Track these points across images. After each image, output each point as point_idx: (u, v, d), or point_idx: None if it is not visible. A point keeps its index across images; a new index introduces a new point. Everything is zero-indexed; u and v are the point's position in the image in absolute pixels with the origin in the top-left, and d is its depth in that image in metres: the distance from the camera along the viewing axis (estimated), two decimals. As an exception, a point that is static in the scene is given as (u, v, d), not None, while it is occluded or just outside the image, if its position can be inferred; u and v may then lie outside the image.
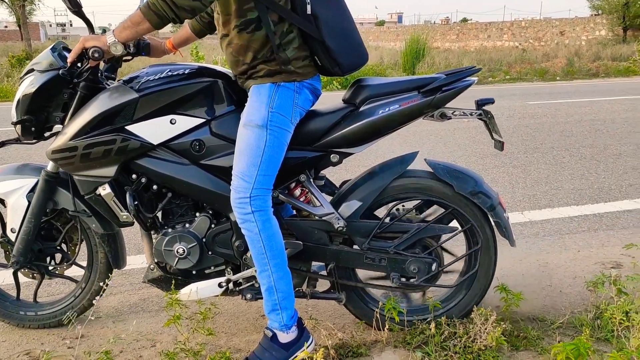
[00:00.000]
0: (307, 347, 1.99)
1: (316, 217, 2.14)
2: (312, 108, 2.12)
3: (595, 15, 28.89)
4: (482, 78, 14.27)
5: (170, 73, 2.06)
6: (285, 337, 2.00)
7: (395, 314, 2.16)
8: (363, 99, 2.09)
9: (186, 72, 2.08)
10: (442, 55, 16.68)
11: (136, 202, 2.11)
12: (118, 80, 2.14)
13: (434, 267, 2.18)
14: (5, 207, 2.25)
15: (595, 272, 2.86)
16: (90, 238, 2.32)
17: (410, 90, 2.09)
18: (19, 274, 2.37)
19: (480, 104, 2.17)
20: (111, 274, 2.31)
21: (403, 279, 2.19)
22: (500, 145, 2.19)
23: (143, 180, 2.13)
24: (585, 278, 2.76)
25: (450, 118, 2.15)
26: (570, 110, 8.03)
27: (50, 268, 2.36)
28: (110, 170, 2.08)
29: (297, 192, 2.19)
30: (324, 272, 2.25)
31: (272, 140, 1.95)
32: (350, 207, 2.15)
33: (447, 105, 2.13)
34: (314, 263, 2.25)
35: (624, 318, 2.14)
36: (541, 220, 3.66)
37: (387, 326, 2.19)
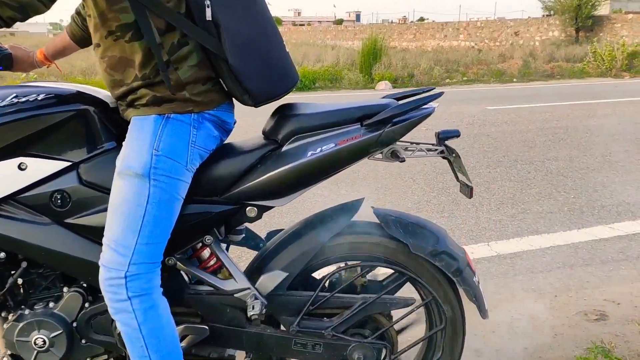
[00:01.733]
0: None
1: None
2: (220, 145, 1.58)
3: (548, 16, 29.16)
4: (439, 80, 13.96)
5: (17, 100, 1.47)
6: None
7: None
8: (287, 135, 1.54)
9: (41, 98, 1.49)
10: (399, 55, 16.26)
11: None
12: None
13: (383, 354, 1.66)
14: None
15: (577, 325, 2.42)
16: None
17: (350, 121, 1.56)
18: None
19: (442, 137, 1.66)
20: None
21: None
22: (468, 191, 1.68)
23: None
24: (567, 336, 2.31)
25: (404, 159, 1.63)
26: (531, 116, 7.69)
27: None
28: None
29: (205, 254, 1.64)
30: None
31: (157, 195, 1.40)
32: (272, 279, 1.61)
33: (399, 141, 1.62)
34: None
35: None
36: (510, 254, 3.19)
37: None
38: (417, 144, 1.65)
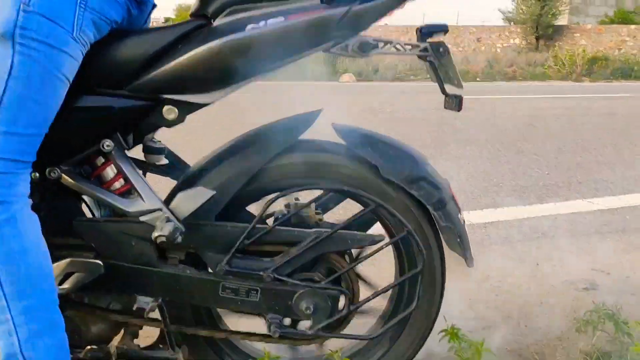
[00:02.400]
0: None
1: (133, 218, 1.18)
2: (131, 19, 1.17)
3: (509, 22, 29.50)
4: (404, 76, 13.75)
5: None
6: None
7: (275, 384, 1.23)
8: (220, 6, 1.14)
9: None
10: (360, 60, 16.01)
11: None
12: None
13: (342, 304, 1.26)
14: None
15: (564, 294, 2.08)
16: None
17: None
18: None
19: (425, 33, 1.27)
20: None
21: (288, 324, 1.27)
22: (456, 102, 1.30)
23: None
24: (553, 304, 1.97)
25: (369, 53, 1.23)
26: (499, 106, 7.48)
27: None
28: None
29: (109, 173, 1.22)
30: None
31: (25, 66, 0.98)
32: (192, 199, 1.19)
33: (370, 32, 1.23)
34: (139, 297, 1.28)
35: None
36: (485, 224, 2.85)
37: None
38: (394, 40, 1.26)
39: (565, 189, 3.56)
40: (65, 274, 1.17)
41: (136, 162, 1.27)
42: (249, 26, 1.10)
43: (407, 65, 15.56)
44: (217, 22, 1.13)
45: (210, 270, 1.24)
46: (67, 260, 1.17)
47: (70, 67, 1.04)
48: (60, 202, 1.19)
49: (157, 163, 1.34)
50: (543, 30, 25.92)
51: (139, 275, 1.21)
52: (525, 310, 1.94)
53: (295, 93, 8.53)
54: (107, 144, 1.15)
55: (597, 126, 6.06)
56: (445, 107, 1.34)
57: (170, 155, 1.39)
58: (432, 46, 1.25)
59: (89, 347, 1.20)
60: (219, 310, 1.35)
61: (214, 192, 1.19)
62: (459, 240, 1.31)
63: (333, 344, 1.39)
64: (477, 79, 14.34)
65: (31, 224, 1.02)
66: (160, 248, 1.21)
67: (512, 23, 29.20)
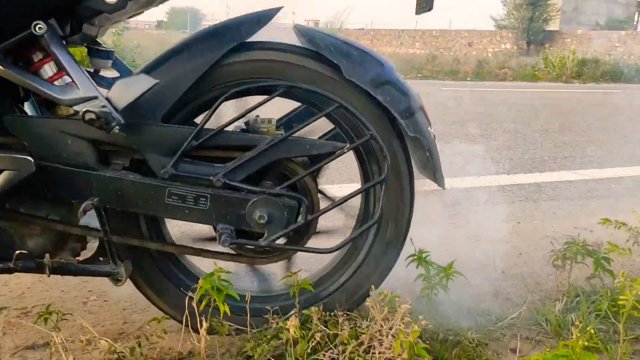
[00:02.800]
0: None
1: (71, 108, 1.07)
2: None
3: (501, 28, 29.63)
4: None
5: None
6: None
7: (221, 301, 1.12)
8: None
9: None
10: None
11: None
12: None
13: (298, 213, 1.16)
14: None
15: (544, 247, 1.99)
16: None
17: None
18: None
19: None
20: None
21: (239, 237, 1.16)
22: (426, 2, 1.22)
23: None
24: (533, 255, 1.88)
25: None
26: (487, 95, 7.41)
27: None
28: None
29: (42, 59, 1.12)
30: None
31: None
32: (134, 88, 1.09)
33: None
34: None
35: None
36: (465, 188, 2.76)
37: (207, 325, 1.14)
38: None
39: (551, 162, 3.48)
40: (-7, 170, 1.07)
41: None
42: None
43: (398, 65, 15.51)
44: None
45: (156, 175, 1.14)
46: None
47: None
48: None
49: (103, 69, 1.24)
50: (534, 35, 26.06)
51: (76, 179, 1.10)
52: (505, 259, 1.85)
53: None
54: (39, 26, 1.04)
55: (586, 112, 6.01)
56: (416, 13, 1.26)
57: (119, 65, 1.30)
58: None
59: (18, 253, 1.09)
60: (166, 220, 1.25)
61: (157, 82, 1.09)
62: (427, 154, 1.22)
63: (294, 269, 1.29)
64: (468, 79, 14.30)
65: None
66: (100, 151, 1.11)
67: (503, 29, 29.37)
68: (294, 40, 1.23)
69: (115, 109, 1.05)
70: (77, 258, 1.17)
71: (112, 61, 1.26)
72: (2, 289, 1.53)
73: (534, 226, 2.25)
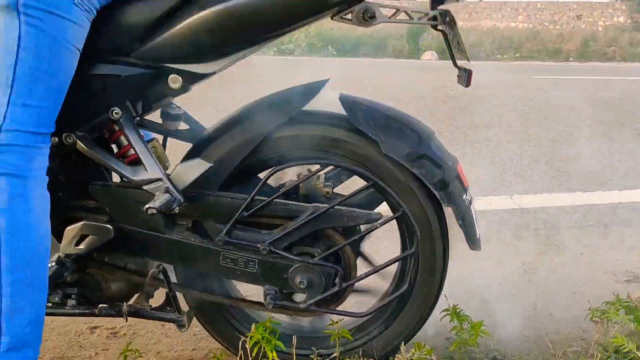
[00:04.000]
0: None
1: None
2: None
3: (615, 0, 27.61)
4: (489, 54, 13.26)
5: None
6: None
7: (270, 349, 1.30)
8: None
9: None
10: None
11: None
12: None
13: (336, 280, 1.30)
14: None
15: (602, 285, 2.00)
16: None
17: None
18: None
19: (435, 1, 1.26)
20: None
21: (283, 297, 1.32)
22: (465, 77, 1.30)
23: None
24: (588, 295, 1.90)
25: (375, 21, 1.23)
26: (582, 86, 7.07)
27: None
28: None
29: (121, 140, 1.33)
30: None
31: (33, 37, 1.06)
32: (190, 170, 1.27)
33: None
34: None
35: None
36: (535, 209, 2.76)
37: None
38: (402, 7, 1.26)
39: (635, 177, 3.36)
40: (80, 235, 1.28)
41: (156, 128, 1.37)
42: None
43: (496, 43, 15.02)
44: None
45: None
46: (81, 223, 1.28)
47: (77, 35, 1.11)
48: (79, 166, 1.29)
49: (176, 129, 1.42)
50: (652, 7, 24.02)
51: (148, 240, 1.30)
52: (556, 298, 1.89)
53: (369, 70, 8.46)
54: (116, 112, 1.22)
55: None
56: (458, 82, 1.33)
57: (189, 120, 1.47)
58: (441, 14, 1.24)
59: (101, 305, 1.31)
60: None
61: (212, 165, 1.26)
62: (461, 221, 1.31)
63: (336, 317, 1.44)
64: (571, 59, 13.58)
65: (42, 203, 1.12)
66: (169, 215, 1.30)
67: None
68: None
69: (176, 188, 1.23)
70: (150, 304, 1.38)
71: (183, 120, 1.43)
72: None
73: (597, 257, 2.25)
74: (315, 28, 11.69)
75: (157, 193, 1.22)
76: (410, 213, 1.28)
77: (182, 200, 1.23)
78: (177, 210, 1.23)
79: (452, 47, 1.27)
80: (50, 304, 1.32)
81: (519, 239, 2.39)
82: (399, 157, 1.27)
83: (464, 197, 1.33)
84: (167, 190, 1.22)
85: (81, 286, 1.34)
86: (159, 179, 1.23)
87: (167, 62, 1.20)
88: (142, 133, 1.28)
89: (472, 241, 1.34)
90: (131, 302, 1.36)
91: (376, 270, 1.31)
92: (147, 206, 1.17)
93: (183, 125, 1.45)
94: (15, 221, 1.07)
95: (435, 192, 1.29)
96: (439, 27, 1.26)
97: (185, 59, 1.19)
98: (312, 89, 1.30)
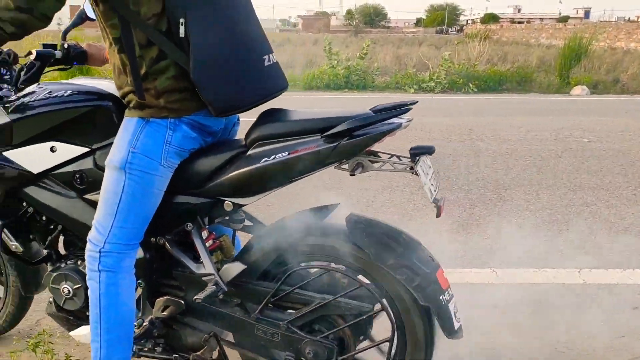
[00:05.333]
0: None
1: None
2: (205, 145, 1.77)
3: None
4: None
5: (49, 95, 1.84)
6: None
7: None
8: (252, 140, 1.69)
9: (67, 94, 1.83)
10: (608, 58, 14.69)
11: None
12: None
13: (333, 354, 1.72)
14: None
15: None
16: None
17: (312, 132, 1.64)
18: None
19: (413, 154, 1.66)
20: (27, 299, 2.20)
21: None
22: (437, 209, 1.67)
23: (30, 210, 1.96)
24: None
25: (367, 171, 1.68)
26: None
27: None
28: None
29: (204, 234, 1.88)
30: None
31: (131, 187, 1.65)
32: (232, 269, 1.78)
33: (372, 151, 1.67)
34: None
35: None
36: (600, 285, 2.88)
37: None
38: (389, 155, 1.68)
39: None
40: (164, 305, 1.85)
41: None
42: (263, 159, 1.64)
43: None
44: (249, 152, 1.68)
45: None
46: (165, 297, 1.84)
47: (161, 183, 1.68)
48: (166, 259, 1.87)
49: (240, 227, 1.94)
50: None
51: (206, 311, 1.83)
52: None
53: (510, 113, 8.40)
54: (189, 226, 1.79)
55: None
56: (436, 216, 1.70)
57: (250, 218, 1.98)
58: (418, 165, 1.63)
59: (179, 354, 1.86)
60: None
61: (245, 266, 1.75)
62: (437, 317, 1.67)
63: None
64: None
65: (128, 289, 1.70)
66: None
67: None
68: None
69: (223, 281, 1.75)
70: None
71: (245, 220, 1.94)
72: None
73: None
74: (459, 66, 11.85)
75: (209, 284, 1.74)
76: (400, 307, 1.68)
77: (225, 290, 1.74)
78: (221, 296, 1.74)
79: (425, 187, 1.65)
80: (146, 349, 1.90)
81: (578, 319, 2.57)
82: (385, 265, 1.67)
83: (440, 297, 1.68)
84: (215, 283, 1.74)
85: (166, 339, 1.90)
86: (212, 274, 1.75)
87: (219, 195, 1.73)
88: (212, 233, 1.84)
89: (448, 332, 1.69)
90: (198, 353, 1.89)
91: (361, 350, 1.72)
92: (195, 297, 1.71)
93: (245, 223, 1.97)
94: (109, 301, 1.66)
95: (414, 294, 1.66)
96: (416, 173, 1.64)
97: (229, 195, 1.71)
98: (325, 212, 1.77)
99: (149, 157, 1.64)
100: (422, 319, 1.71)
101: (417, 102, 1.70)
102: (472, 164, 5.24)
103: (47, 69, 2.04)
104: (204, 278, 1.78)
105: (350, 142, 1.60)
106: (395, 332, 1.68)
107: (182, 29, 1.56)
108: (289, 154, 1.62)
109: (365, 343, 1.82)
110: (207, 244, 1.86)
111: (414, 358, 1.73)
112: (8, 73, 1.96)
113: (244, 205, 1.75)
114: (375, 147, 1.67)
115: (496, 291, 2.75)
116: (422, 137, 6.16)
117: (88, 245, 1.70)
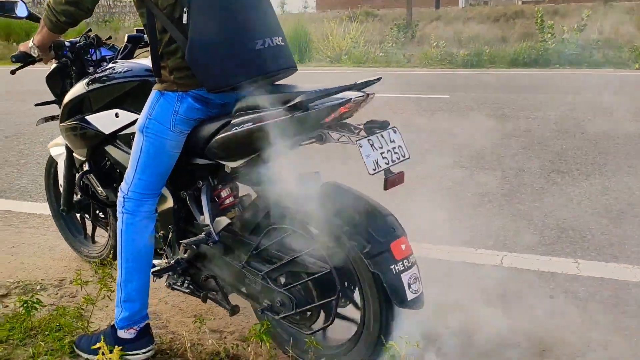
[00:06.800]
0: (139, 353, 2.14)
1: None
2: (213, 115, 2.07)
3: None
4: None
5: (112, 71, 2.31)
6: (120, 333, 2.13)
7: (267, 339, 1.99)
8: (235, 110, 1.94)
9: (124, 70, 2.29)
10: None
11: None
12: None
13: (293, 305, 1.92)
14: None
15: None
16: None
17: (278, 105, 1.83)
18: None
19: (369, 127, 1.77)
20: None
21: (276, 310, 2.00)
22: (384, 182, 1.76)
23: (109, 163, 2.48)
24: None
25: (326, 141, 1.82)
26: None
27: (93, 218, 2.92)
28: (83, 152, 2.49)
29: (223, 194, 2.21)
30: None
31: (147, 147, 2.04)
32: (221, 222, 2.08)
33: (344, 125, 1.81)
34: None
35: None
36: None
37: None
38: (348, 129, 1.80)
39: None
40: (185, 249, 2.22)
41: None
42: (234, 128, 1.88)
43: None
44: (232, 121, 1.92)
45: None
46: (187, 240, 2.18)
47: (173, 146, 2.03)
48: (187, 209, 2.23)
49: (260, 187, 2.18)
50: None
51: (214, 256, 2.15)
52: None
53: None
54: (200, 183, 2.13)
55: None
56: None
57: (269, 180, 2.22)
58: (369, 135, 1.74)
59: (199, 291, 2.22)
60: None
61: (239, 221, 2.03)
62: (385, 285, 1.77)
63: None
64: None
65: (142, 229, 2.09)
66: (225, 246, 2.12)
67: None
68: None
69: (216, 232, 2.05)
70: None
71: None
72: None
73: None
74: None
75: (203, 233, 2.06)
76: (355, 271, 1.83)
77: (216, 239, 2.04)
78: (211, 245, 2.05)
79: (366, 159, 1.73)
80: (178, 284, 2.30)
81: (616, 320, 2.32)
82: (342, 232, 1.81)
83: (392, 266, 1.76)
84: (208, 232, 2.05)
85: (191, 277, 2.27)
86: (207, 225, 2.07)
87: (214, 158, 2.02)
88: (233, 192, 2.19)
89: (399, 301, 1.77)
90: (207, 293, 2.23)
91: (310, 306, 1.93)
92: (184, 241, 2.04)
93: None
94: (127, 237, 2.08)
95: (365, 260, 1.77)
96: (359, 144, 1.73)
97: (220, 158, 2.00)
98: (306, 179, 1.95)
99: (160, 123, 2.01)
100: (374, 284, 1.80)
101: (380, 78, 1.77)
102: None
103: (137, 51, 2.55)
104: (204, 228, 2.10)
105: (303, 114, 1.76)
106: (339, 292, 1.82)
107: (185, 16, 1.87)
108: (253, 124, 1.84)
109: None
110: (227, 201, 2.18)
111: (369, 319, 1.84)
112: (94, 53, 2.49)
113: (236, 167, 2.00)
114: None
115: None
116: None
117: (118, 192, 2.13)
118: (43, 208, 3.57)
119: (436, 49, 12.39)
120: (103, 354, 1.88)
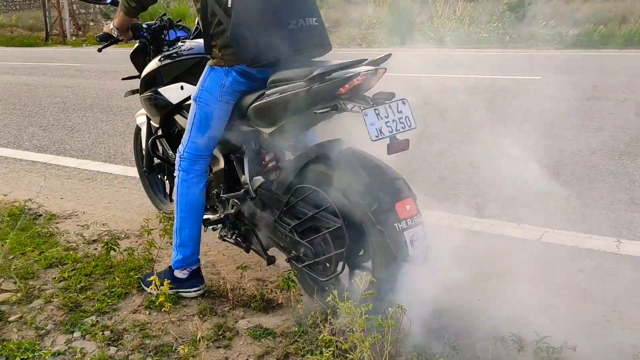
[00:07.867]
0: (190, 292, 2.50)
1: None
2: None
3: None
4: None
5: (179, 49, 2.67)
6: (176, 273, 2.50)
7: (292, 285, 2.30)
8: (269, 82, 2.21)
9: (188, 48, 2.65)
10: None
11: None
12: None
13: (311, 256, 2.18)
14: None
15: None
16: None
17: (301, 77, 2.07)
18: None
19: (375, 98, 1.97)
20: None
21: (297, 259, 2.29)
22: (388, 147, 1.95)
23: (177, 129, 2.86)
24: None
25: (341, 110, 2.02)
26: None
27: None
28: (157, 120, 2.89)
29: (267, 157, 2.51)
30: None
31: (198, 114, 2.38)
32: (257, 181, 2.38)
33: (359, 96, 2.02)
34: None
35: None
36: None
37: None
38: (361, 99, 2.01)
39: None
40: (232, 204, 2.54)
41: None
42: (265, 97, 2.17)
43: None
44: (265, 91, 2.20)
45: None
46: (231, 194, 2.51)
47: (221, 114, 2.35)
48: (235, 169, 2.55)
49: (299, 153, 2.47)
50: None
51: (256, 209, 2.45)
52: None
53: None
54: (244, 148, 2.43)
55: None
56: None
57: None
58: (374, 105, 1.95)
59: (243, 242, 2.55)
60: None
61: (274, 180, 2.32)
62: (388, 241, 1.97)
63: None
64: None
65: (197, 184, 2.43)
66: (263, 202, 2.41)
67: None
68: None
69: (254, 190, 2.35)
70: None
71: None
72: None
73: None
74: None
75: (242, 190, 2.37)
76: (364, 226, 2.05)
77: (253, 196, 2.34)
78: (250, 201, 2.35)
79: (370, 127, 1.92)
80: (228, 236, 2.64)
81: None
82: (355, 191, 2.03)
83: (395, 223, 1.97)
84: (246, 190, 2.36)
85: (236, 229, 2.60)
86: (247, 184, 2.37)
87: (257, 126, 2.31)
88: (276, 156, 2.48)
89: (402, 257, 1.97)
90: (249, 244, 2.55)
91: (323, 258, 2.17)
92: (224, 195, 2.36)
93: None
94: (182, 191, 2.44)
95: (371, 217, 1.99)
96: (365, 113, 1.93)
97: (256, 124, 2.29)
98: (332, 145, 2.18)
99: (210, 94, 2.33)
100: (380, 240, 2.01)
101: (390, 54, 1.97)
102: None
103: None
104: (244, 186, 2.41)
105: (319, 86, 2.00)
106: (347, 245, 2.06)
107: (230, 1, 2.17)
108: (280, 94, 2.11)
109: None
110: (270, 165, 2.48)
111: (376, 273, 2.05)
112: (170, 34, 2.87)
113: (271, 133, 2.28)
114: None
115: None
116: None
117: (177, 153, 2.49)
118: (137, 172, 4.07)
119: (544, 28, 11.91)
120: (156, 285, 2.26)
